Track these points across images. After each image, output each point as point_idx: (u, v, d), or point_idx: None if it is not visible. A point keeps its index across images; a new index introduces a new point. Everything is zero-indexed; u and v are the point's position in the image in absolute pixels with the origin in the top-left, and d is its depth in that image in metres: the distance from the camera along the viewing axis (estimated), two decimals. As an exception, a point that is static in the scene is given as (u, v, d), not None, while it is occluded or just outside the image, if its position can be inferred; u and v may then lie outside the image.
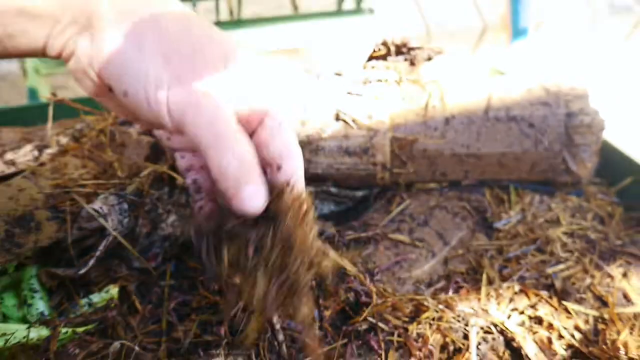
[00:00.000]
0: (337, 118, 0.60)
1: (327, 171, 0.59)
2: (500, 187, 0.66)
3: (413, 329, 0.47)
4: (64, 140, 0.58)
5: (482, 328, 0.48)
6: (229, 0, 1.24)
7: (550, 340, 0.47)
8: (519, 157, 0.62)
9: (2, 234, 0.41)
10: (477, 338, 0.47)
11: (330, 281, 0.51)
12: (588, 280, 0.53)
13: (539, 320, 0.49)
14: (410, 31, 1.53)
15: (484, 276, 0.53)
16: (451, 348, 0.47)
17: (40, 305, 0.46)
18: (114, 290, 0.48)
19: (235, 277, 0.38)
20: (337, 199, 0.63)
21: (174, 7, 0.37)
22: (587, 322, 0.49)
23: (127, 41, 0.35)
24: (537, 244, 0.57)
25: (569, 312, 0.50)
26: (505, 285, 0.52)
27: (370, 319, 0.47)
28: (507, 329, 0.48)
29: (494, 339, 0.48)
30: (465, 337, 0.47)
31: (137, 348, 0.44)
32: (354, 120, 0.60)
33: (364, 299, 0.50)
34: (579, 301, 0.51)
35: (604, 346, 0.45)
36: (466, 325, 0.48)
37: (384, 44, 0.66)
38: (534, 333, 0.48)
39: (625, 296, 0.51)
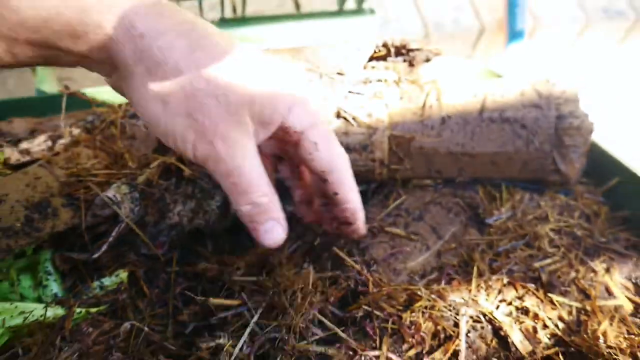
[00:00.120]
0: (338, 116, 0.60)
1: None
2: (493, 185, 0.66)
3: (407, 316, 0.48)
4: (76, 131, 0.60)
5: (471, 317, 0.49)
6: (232, -2, 1.24)
7: (535, 330, 0.47)
8: (511, 156, 0.62)
9: (22, 218, 0.43)
10: (467, 326, 0.48)
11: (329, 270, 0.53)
12: (573, 274, 0.54)
13: (525, 311, 0.50)
14: (409, 32, 1.53)
15: (475, 269, 0.53)
16: (442, 335, 0.47)
17: (54, 287, 0.47)
18: (123, 275, 0.50)
19: None
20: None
21: (200, 46, 0.36)
22: (570, 313, 0.49)
23: (153, 96, 0.35)
24: (526, 239, 0.58)
25: (553, 304, 0.50)
26: (494, 277, 0.53)
27: (366, 306, 0.48)
28: (495, 318, 0.48)
29: (482, 327, 0.48)
30: (456, 325, 0.48)
31: (146, 329, 0.45)
32: (354, 118, 0.60)
33: (360, 288, 0.50)
34: (564, 294, 0.51)
35: (585, 335, 0.45)
36: (457, 314, 0.48)
37: (385, 45, 0.66)
38: (521, 323, 0.48)
39: (608, 290, 0.52)
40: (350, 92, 0.62)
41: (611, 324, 0.47)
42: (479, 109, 0.62)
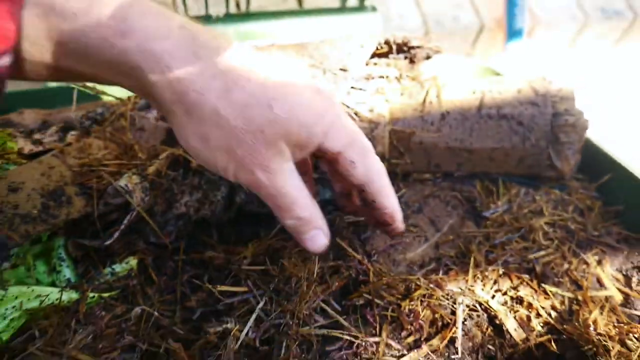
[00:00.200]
0: None
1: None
2: (490, 179, 0.66)
3: (406, 305, 0.49)
4: (86, 122, 0.61)
5: (468, 306, 0.50)
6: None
7: (529, 318, 0.49)
8: (508, 152, 0.63)
9: (39, 206, 0.44)
10: (464, 315, 0.49)
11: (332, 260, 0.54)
12: (566, 266, 0.55)
13: (520, 300, 0.51)
14: (410, 29, 1.54)
15: (472, 260, 0.54)
16: (440, 323, 0.48)
17: (67, 272, 0.49)
18: (133, 262, 0.51)
19: None
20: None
21: (236, 85, 0.37)
22: (563, 303, 0.50)
23: (192, 133, 0.37)
24: (521, 232, 0.59)
25: (547, 294, 0.51)
26: (490, 268, 0.54)
27: (367, 295, 0.49)
28: (490, 307, 0.49)
29: (478, 316, 0.49)
30: (453, 313, 0.49)
31: (156, 313, 0.47)
32: (356, 113, 0.61)
33: (361, 277, 0.51)
34: (557, 284, 0.53)
35: (576, 324, 0.46)
36: (454, 303, 0.50)
37: (387, 42, 0.67)
38: (515, 311, 0.49)
39: (599, 281, 0.53)
40: (352, 87, 0.63)
41: (601, 313, 0.48)
42: (478, 105, 0.63)
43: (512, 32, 1.63)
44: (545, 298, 0.51)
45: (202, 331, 0.46)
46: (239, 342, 0.45)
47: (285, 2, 1.49)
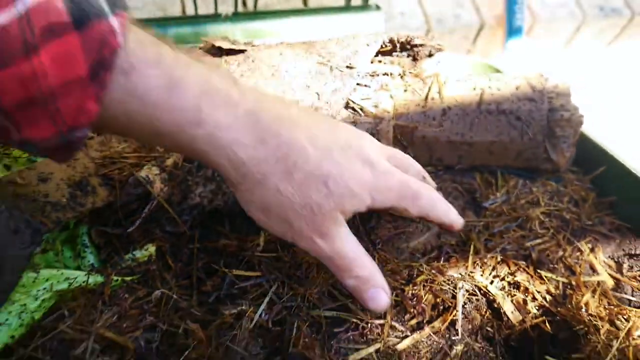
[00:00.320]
0: (347, 106, 0.63)
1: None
2: (489, 171, 0.68)
3: (409, 290, 0.51)
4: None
5: (467, 291, 0.51)
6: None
7: (525, 302, 0.51)
8: (506, 146, 0.64)
9: (67, 195, 0.46)
10: (464, 299, 0.51)
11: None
12: (560, 253, 0.56)
13: (516, 285, 0.52)
14: (412, 27, 1.56)
15: (472, 247, 0.56)
16: (441, 307, 0.50)
17: (91, 258, 0.51)
18: (152, 249, 0.53)
19: None
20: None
21: (296, 168, 0.40)
22: (557, 287, 0.52)
23: (255, 206, 0.41)
24: (519, 221, 0.60)
25: (542, 279, 0.53)
26: (489, 255, 0.55)
27: None
28: (489, 291, 0.51)
29: (477, 299, 0.51)
30: (454, 297, 0.51)
31: (174, 296, 0.49)
32: (361, 109, 0.63)
33: None
34: (552, 270, 0.54)
35: (569, 306, 0.48)
36: (454, 288, 0.51)
37: (391, 41, 0.68)
38: (512, 295, 0.51)
39: (592, 267, 0.55)
40: (358, 84, 0.64)
41: (593, 297, 0.50)
42: (478, 101, 0.64)
43: (512, 30, 1.65)
44: (540, 283, 0.53)
45: (218, 313, 0.48)
46: (253, 323, 0.47)
47: (288, 2, 1.51)
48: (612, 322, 0.46)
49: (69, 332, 0.42)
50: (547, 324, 0.48)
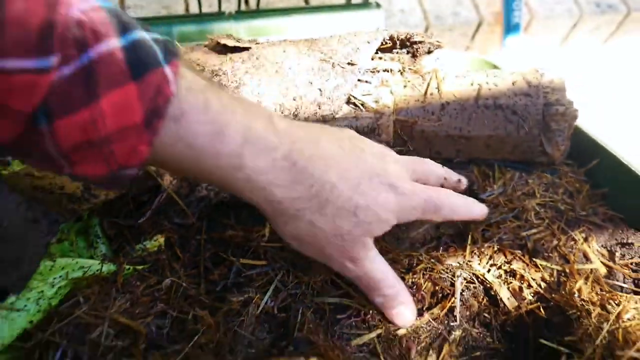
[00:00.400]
0: (349, 102, 0.64)
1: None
2: (487, 164, 0.69)
3: (409, 278, 0.52)
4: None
5: (465, 279, 0.53)
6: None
7: (521, 289, 0.52)
8: (503, 139, 0.65)
9: (81, 187, 0.48)
10: (462, 286, 0.52)
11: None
12: (555, 242, 0.57)
13: (512, 273, 0.53)
14: (411, 24, 1.57)
15: (469, 237, 0.57)
16: (440, 294, 0.52)
17: (103, 248, 0.53)
18: (161, 239, 0.54)
19: None
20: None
21: (328, 203, 0.43)
22: (552, 275, 0.53)
23: (289, 235, 0.45)
24: (515, 212, 0.61)
25: (537, 267, 0.54)
26: (486, 245, 0.56)
27: None
28: (486, 279, 0.52)
29: (475, 287, 0.53)
30: (452, 285, 0.52)
31: (184, 284, 0.50)
32: (363, 104, 0.64)
33: None
34: (547, 259, 0.55)
35: (563, 292, 0.49)
36: (453, 276, 0.53)
37: (391, 38, 0.69)
38: (509, 283, 0.52)
39: (585, 256, 0.56)
40: (359, 80, 0.65)
41: (586, 283, 0.51)
42: (475, 96, 0.65)
43: (510, 27, 1.65)
44: (535, 271, 0.54)
45: (225, 300, 0.49)
46: (259, 309, 0.49)
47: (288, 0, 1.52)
48: (603, 307, 0.47)
49: (84, 318, 0.43)
50: (541, 309, 0.49)
